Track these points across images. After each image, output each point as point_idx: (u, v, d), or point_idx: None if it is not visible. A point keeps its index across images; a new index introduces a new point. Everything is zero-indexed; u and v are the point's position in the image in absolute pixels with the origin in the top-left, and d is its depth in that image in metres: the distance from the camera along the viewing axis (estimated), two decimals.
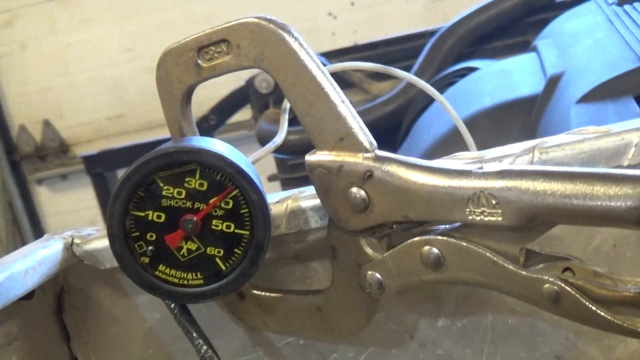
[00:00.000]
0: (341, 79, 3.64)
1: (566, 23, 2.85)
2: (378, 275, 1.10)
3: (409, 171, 1.04)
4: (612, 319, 0.98)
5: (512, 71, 2.67)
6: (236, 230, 1.09)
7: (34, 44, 6.10)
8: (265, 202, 1.09)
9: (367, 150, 1.04)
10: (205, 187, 1.07)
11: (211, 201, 1.07)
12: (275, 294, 1.22)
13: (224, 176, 1.07)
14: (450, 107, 1.72)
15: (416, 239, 1.06)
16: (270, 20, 1.07)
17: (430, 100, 2.94)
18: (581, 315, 1.00)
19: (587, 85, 2.12)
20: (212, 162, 1.07)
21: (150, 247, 1.10)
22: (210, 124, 4.02)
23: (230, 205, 1.07)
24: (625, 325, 0.98)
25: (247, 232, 1.09)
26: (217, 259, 1.10)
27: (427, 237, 1.06)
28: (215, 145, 1.10)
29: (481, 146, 1.82)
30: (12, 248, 6.04)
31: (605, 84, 2.07)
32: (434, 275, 1.07)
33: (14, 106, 6.18)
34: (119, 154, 4.26)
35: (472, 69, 3.07)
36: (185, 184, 1.07)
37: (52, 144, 6.15)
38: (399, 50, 3.68)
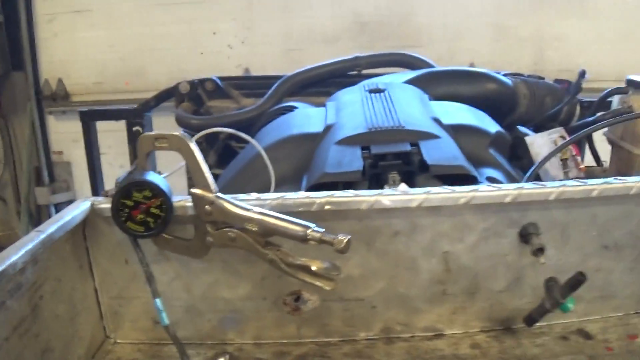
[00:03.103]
0: (225, 93, 3.64)
1: (344, 95, 2.71)
2: (210, 239, 1.39)
3: (221, 202, 1.36)
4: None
5: (311, 116, 2.52)
6: (160, 212, 1.39)
7: (62, 35, 5.97)
8: (171, 203, 1.39)
9: (212, 192, 1.36)
10: (150, 194, 1.37)
11: (151, 200, 1.37)
12: (171, 237, 1.45)
13: (156, 191, 1.37)
14: (256, 143, 1.92)
15: (226, 229, 1.36)
16: (184, 135, 1.38)
17: (272, 118, 2.89)
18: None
19: (342, 134, 2.12)
20: (152, 186, 1.37)
21: (125, 214, 1.39)
22: (151, 105, 3.88)
23: (159, 202, 1.38)
24: (285, 267, 1.32)
25: (164, 213, 1.39)
26: (151, 223, 1.40)
27: (231, 228, 1.35)
28: (155, 177, 1.40)
29: (283, 159, 2.15)
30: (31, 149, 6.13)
31: (349, 137, 2.07)
32: (231, 244, 1.37)
33: (45, 69, 6.07)
34: (97, 113, 4.19)
35: (293, 108, 2.94)
36: (143, 193, 1.37)
37: (61, 93, 6.07)
38: (262, 84, 3.55)
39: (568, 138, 2.45)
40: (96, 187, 4.18)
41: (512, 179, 2.16)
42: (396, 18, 5.79)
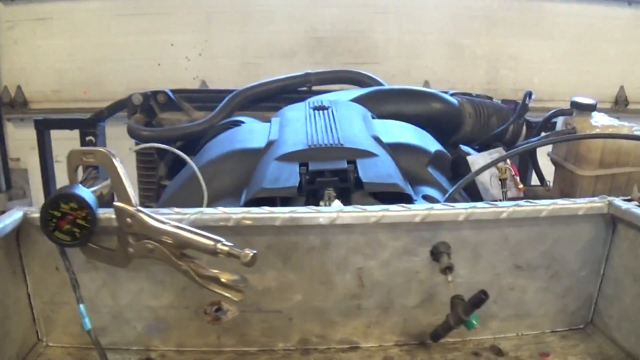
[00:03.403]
0: (177, 105, 3.68)
1: (289, 111, 2.74)
2: (131, 250, 1.46)
3: (140, 215, 1.45)
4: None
5: (255, 131, 2.55)
6: (85, 224, 1.45)
7: (22, 43, 5.99)
8: (95, 215, 1.46)
9: (132, 205, 1.44)
10: (76, 206, 1.43)
11: (77, 212, 1.44)
12: (97, 247, 1.52)
13: (81, 203, 1.44)
14: (188, 159, 2.03)
15: (145, 240, 1.44)
16: (108, 151, 1.46)
17: (218, 132, 2.90)
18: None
19: (282, 151, 2.16)
20: (78, 199, 1.44)
21: (53, 224, 1.45)
22: (104, 115, 3.93)
23: (84, 214, 1.44)
24: (197, 279, 1.40)
25: (88, 224, 1.45)
26: (77, 233, 1.46)
27: (149, 241, 1.43)
28: (82, 190, 1.48)
29: (225, 173, 2.22)
30: None
31: (289, 153, 2.12)
32: (150, 255, 1.45)
33: (4, 75, 6.07)
34: (51, 122, 4.19)
35: (240, 122, 2.99)
36: (70, 204, 1.43)
37: (19, 100, 6.07)
38: (213, 97, 3.59)
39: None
40: (49, 195, 4.18)
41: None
42: (353, 34, 5.90)
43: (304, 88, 3.60)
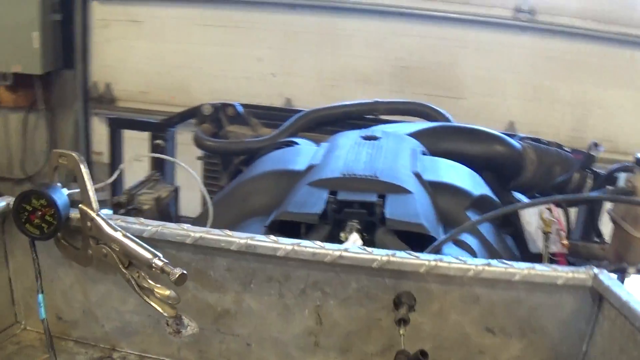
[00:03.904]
0: (244, 120, 3.83)
1: (340, 137, 2.78)
2: (90, 251, 1.56)
3: (98, 220, 1.54)
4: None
5: (302, 154, 2.60)
6: (52, 221, 1.55)
7: (115, 42, 6.28)
8: (61, 214, 1.55)
9: (94, 211, 1.54)
10: (45, 203, 1.54)
11: (46, 209, 1.54)
12: (67, 244, 1.63)
13: (50, 202, 1.54)
14: (191, 170, 2.16)
15: (101, 245, 1.53)
16: (78, 156, 1.57)
17: (271, 150, 2.98)
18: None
19: (317, 176, 2.21)
20: (47, 197, 1.55)
21: (25, 217, 1.56)
22: (174, 121, 4.07)
23: (52, 212, 1.54)
24: (137, 289, 1.48)
25: (55, 222, 1.55)
26: (45, 228, 1.56)
27: (104, 245, 1.53)
28: (55, 190, 1.58)
29: (262, 192, 2.34)
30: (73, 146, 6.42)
31: (322, 179, 2.16)
32: (104, 259, 1.54)
33: (95, 72, 6.38)
34: (123, 122, 4.47)
35: (294, 143, 3.03)
36: (40, 201, 1.54)
37: (107, 96, 6.36)
38: (281, 116, 3.69)
39: (554, 210, 2.51)
40: (115, 190, 4.38)
41: (485, 246, 2.20)
42: (438, 66, 5.88)
43: (371, 116, 3.65)
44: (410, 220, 1.95)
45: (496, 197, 2.66)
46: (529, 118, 5.79)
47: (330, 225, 1.97)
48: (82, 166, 1.54)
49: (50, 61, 6.10)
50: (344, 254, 1.57)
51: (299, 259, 1.58)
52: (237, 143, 3.62)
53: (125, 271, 1.48)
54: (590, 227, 3.26)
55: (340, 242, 1.91)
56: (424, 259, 1.58)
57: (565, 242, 2.45)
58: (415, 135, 2.94)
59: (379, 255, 1.58)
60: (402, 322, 1.55)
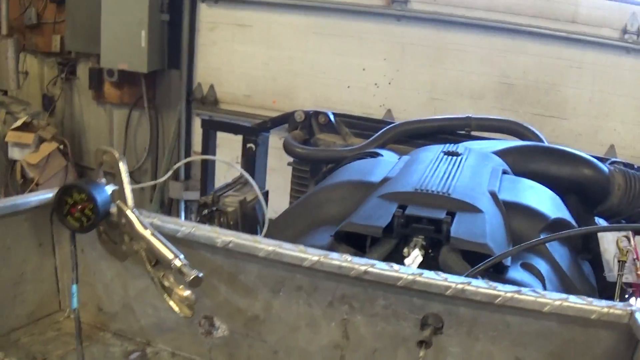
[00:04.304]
0: (336, 128, 3.89)
1: (421, 151, 2.79)
2: (124, 247, 1.66)
3: (131, 217, 1.62)
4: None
5: (381, 165, 2.61)
6: (92, 214, 1.64)
7: (221, 45, 6.48)
8: (99, 209, 1.63)
9: (128, 207, 1.61)
10: (85, 198, 1.63)
11: (85, 203, 1.63)
12: (107, 238, 1.73)
13: (90, 197, 1.62)
14: (251, 180, 2.21)
15: (133, 241, 1.61)
16: (119, 155, 1.65)
17: (354, 160, 3.02)
18: None
19: (389, 189, 2.21)
20: (87, 192, 1.63)
21: (66, 210, 1.65)
22: (267, 126, 4.17)
23: (92, 206, 1.63)
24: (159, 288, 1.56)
25: (94, 216, 1.64)
26: (85, 222, 1.65)
27: (136, 242, 1.60)
28: (95, 186, 1.66)
29: (337, 201, 2.35)
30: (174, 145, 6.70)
31: (392, 193, 2.16)
32: (136, 256, 1.62)
33: (199, 73, 6.58)
34: (217, 124, 4.69)
35: (378, 154, 3.04)
36: (81, 195, 1.63)
37: (210, 98, 6.54)
38: (372, 127, 3.71)
39: (631, 237, 2.42)
40: (205, 189, 4.54)
41: (556, 271, 2.16)
42: (544, 85, 5.79)
43: (463, 132, 3.65)
44: (476, 240, 1.93)
45: (578, 221, 2.61)
46: (632, 143, 5.63)
47: (397, 240, 1.98)
48: (121, 163, 1.62)
49: (156, 60, 6.35)
50: (370, 269, 1.58)
51: (325, 270, 1.60)
52: (324, 151, 3.69)
53: (150, 269, 1.54)
54: None
55: (404, 257, 1.92)
56: (451, 282, 1.56)
57: None
58: (502, 153, 2.92)
59: (404, 273, 1.57)
60: (424, 344, 1.54)
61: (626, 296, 2.44)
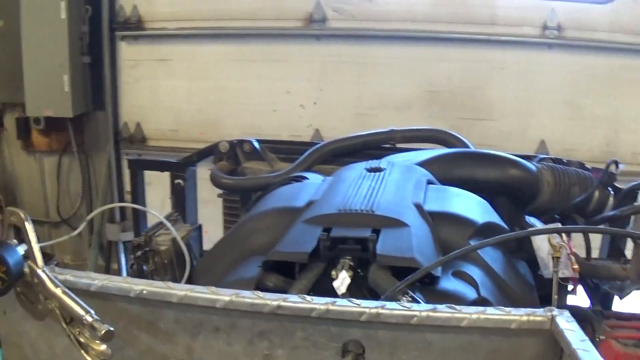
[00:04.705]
0: (261, 155, 3.88)
1: (344, 171, 2.80)
2: (40, 306, 1.66)
3: (43, 276, 1.61)
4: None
5: (306, 189, 2.61)
6: (4, 276, 1.62)
7: (144, 82, 6.44)
8: (12, 271, 1.62)
9: (38, 267, 1.61)
10: None
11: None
12: (24, 299, 1.70)
13: (1, 259, 1.61)
14: (167, 223, 2.21)
15: (47, 300, 1.62)
16: (24, 214, 1.65)
17: (279, 186, 3.00)
18: None
19: (313, 213, 2.22)
20: None
21: None
22: (193, 160, 4.09)
23: (4, 269, 1.62)
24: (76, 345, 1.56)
25: (7, 278, 1.63)
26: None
27: (48, 300, 1.61)
28: (7, 247, 1.64)
29: (263, 231, 2.35)
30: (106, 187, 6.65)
31: (317, 216, 2.18)
32: (51, 314, 1.61)
33: (125, 112, 6.54)
34: (144, 163, 4.63)
35: (303, 177, 3.06)
36: None
37: (138, 136, 6.50)
38: (297, 150, 3.73)
39: (564, 234, 2.48)
40: (138, 229, 4.53)
41: (490, 275, 2.19)
42: (468, 90, 5.89)
43: (388, 145, 3.69)
44: (402, 254, 1.96)
45: (510, 222, 2.66)
46: (562, 136, 5.79)
47: (325, 263, 2.00)
48: (26, 223, 1.63)
49: (81, 104, 6.31)
50: (282, 303, 1.62)
51: (239, 309, 1.63)
52: (250, 180, 3.71)
53: (66, 326, 1.56)
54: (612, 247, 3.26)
55: (332, 280, 1.94)
56: (365, 307, 1.59)
57: (576, 266, 2.42)
58: (427, 163, 2.97)
59: (317, 304, 1.60)
60: None
61: (569, 290, 2.54)
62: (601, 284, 2.95)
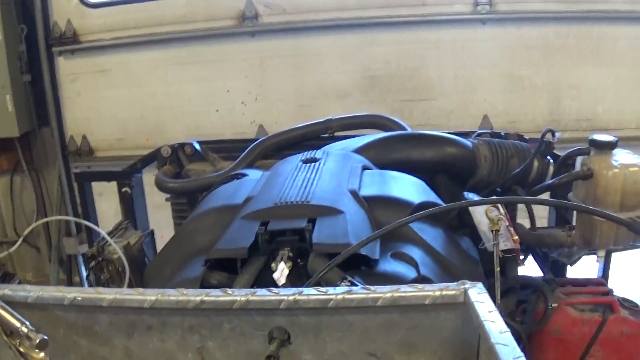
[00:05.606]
0: (202, 156, 4.00)
1: (280, 164, 2.83)
2: None
3: None
4: None
5: (243, 186, 2.64)
6: None
7: (85, 94, 6.45)
8: None
9: None
10: None
11: None
12: None
13: None
14: (104, 233, 2.29)
15: None
16: None
17: (219, 185, 3.04)
18: None
19: (250, 208, 2.26)
20: None
21: None
22: (137, 167, 4.21)
23: None
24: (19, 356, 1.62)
25: None
26: None
27: None
28: None
29: (204, 231, 2.40)
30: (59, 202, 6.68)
31: (254, 212, 2.20)
32: None
33: (69, 126, 6.55)
34: (90, 175, 4.75)
35: (243, 175, 3.06)
36: None
37: (85, 148, 6.52)
38: (238, 147, 3.80)
39: (501, 207, 2.59)
40: (91, 241, 4.61)
41: (430, 254, 2.25)
42: (407, 71, 5.99)
43: (327, 135, 3.79)
44: (338, 241, 2.01)
45: (452, 200, 2.74)
46: (504, 109, 5.91)
47: (265, 256, 2.08)
48: None
49: (26, 122, 6.33)
50: (205, 298, 1.70)
51: (166, 307, 1.72)
52: (194, 181, 3.78)
53: (6, 339, 1.66)
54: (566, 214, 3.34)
55: (273, 272, 2.02)
56: (283, 295, 1.68)
57: (516, 237, 2.50)
58: (363, 149, 3.05)
59: (237, 296, 1.68)
60: (272, 358, 1.64)
61: (520, 261, 2.64)
62: (549, 253, 3.09)
